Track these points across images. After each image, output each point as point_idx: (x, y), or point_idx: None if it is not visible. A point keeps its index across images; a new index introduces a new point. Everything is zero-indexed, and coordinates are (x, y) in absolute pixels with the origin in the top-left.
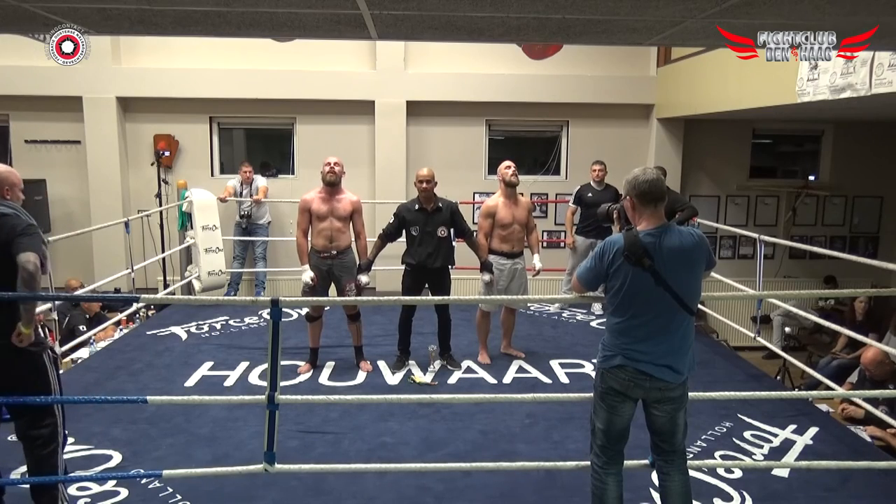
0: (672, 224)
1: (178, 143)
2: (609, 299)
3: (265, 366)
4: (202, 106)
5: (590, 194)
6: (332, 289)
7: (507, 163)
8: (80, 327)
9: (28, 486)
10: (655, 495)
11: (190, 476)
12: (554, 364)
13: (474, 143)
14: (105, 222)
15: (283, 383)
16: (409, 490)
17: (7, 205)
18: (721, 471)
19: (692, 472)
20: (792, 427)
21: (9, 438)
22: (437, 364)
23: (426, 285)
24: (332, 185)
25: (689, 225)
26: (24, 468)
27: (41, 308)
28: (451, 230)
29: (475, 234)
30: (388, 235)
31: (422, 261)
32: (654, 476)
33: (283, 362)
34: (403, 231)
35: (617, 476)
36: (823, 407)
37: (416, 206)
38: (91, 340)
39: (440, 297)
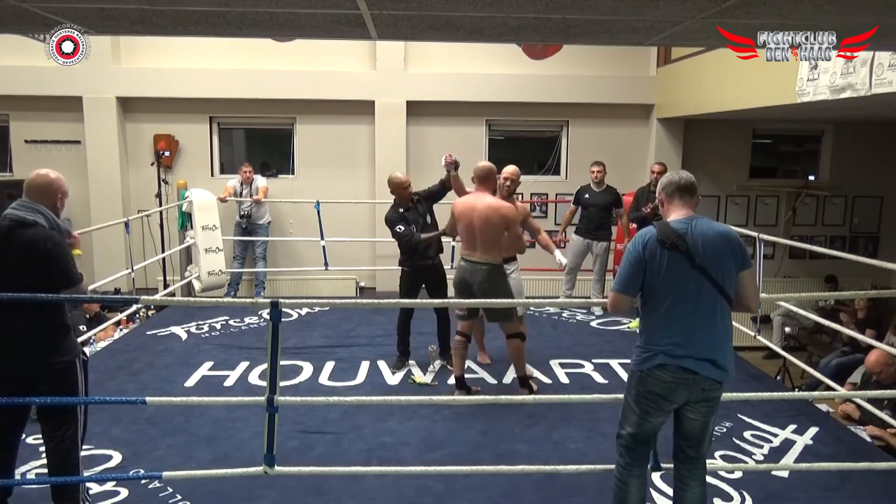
0: (701, 216)
1: (178, 143)
2: (645, 293)
3: (265, 366)
4: (202, 106)
5: (587, 195)
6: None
7: (509, 174)
8: (80, 327)
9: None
10: (656, 496)
11: (190, 477)
12: (554, 364)
13: (474, 144)
14: (105, 222)
15: (282, 383)
16: (409, 490)
17: (43, 212)
18: (721, 471)
19: None
20: (792, 427)
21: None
22: (437, 364)
23: (423, 286)
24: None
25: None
26: (24, 468)
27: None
28: (429, 213)
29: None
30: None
31: (420, 260)
32: (655, 476)
33: (282, 362)
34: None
35: (640, 479)
36: (823, 407)
37: (402, 209)
38: (91, 340)
39: (431, 300)
